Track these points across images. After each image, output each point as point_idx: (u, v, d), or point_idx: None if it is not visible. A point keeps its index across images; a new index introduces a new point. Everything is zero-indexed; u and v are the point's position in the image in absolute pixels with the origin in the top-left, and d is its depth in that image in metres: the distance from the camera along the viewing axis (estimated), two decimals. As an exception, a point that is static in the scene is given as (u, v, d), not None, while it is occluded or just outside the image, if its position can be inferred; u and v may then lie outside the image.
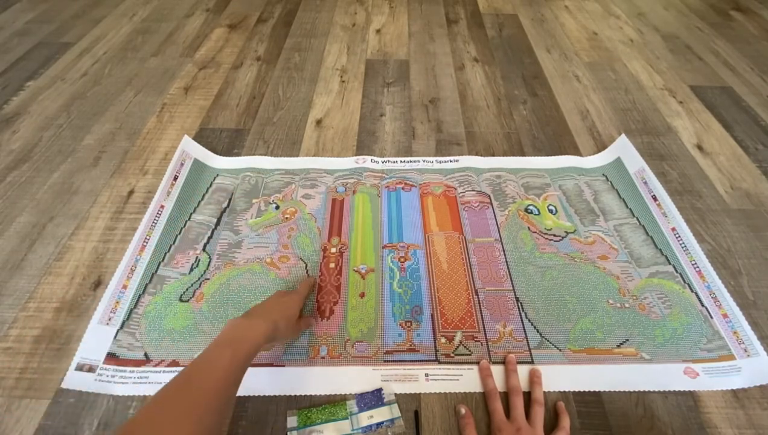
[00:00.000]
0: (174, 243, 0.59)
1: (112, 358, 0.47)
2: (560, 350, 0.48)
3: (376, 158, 0.72)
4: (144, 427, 0.27)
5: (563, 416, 0.43)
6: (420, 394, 0.45)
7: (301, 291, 0.48)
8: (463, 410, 0.43)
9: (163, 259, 0.57)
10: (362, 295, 0.54)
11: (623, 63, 0.97)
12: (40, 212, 0.63)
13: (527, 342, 0.49)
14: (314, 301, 0.53)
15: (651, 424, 0.43)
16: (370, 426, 0.42)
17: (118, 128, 0.79)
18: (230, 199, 0.65)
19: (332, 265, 0.57)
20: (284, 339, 0.44)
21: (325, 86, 0.90)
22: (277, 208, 0.64)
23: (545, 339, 0.49)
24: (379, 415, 0.43)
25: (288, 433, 0.42)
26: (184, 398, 0.29)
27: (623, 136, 0.72)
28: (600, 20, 1.15)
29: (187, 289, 0.54)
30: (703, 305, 0.52)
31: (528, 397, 0.45)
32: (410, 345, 0.49)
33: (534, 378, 0.45)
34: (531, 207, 0.64)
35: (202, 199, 0.65)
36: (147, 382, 0.45)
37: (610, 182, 0.68)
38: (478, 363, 0.47)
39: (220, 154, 0.73)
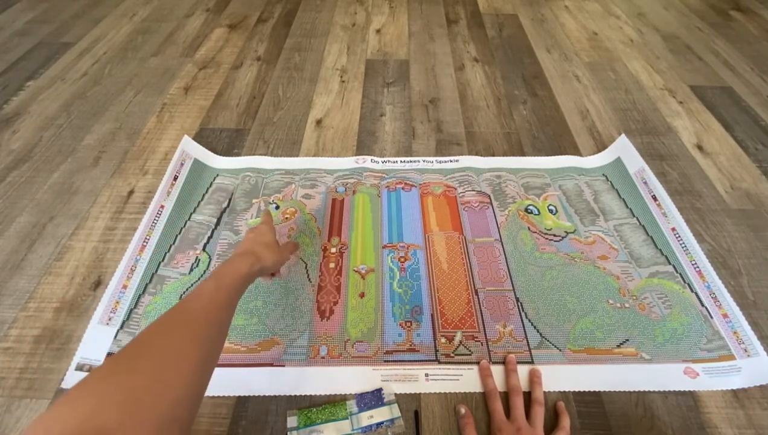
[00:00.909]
0: (174, 243, 0.59)
1: (112, 358, 0.47)
2: (560, 350, 0.48)
3: (376, 158, 0.72)
4: (147, 340, 0.31)
5: (563, 416, 0.43)
6: (420, 394, 0.45)
7: (266, 220, 0.50)
8: (463, 410, 0.43)
9: (163, 259, 0.57)
10: (362, 295, 0.54)
11: (623, 63, 0.97)
12: (40, 212, 0.63)
13: (527, 342, 0.49)
14: (314, 301, 0.53)
15: (651, 424, 0.43)
16: (370, 426, 0.42)
17: (118, 128, 0.79)
18: (230, 199, 0.65)
19: (332, 265, 0.57)
20: (274, 265, 0.45)
21: (325, 86, 0.90)
22: (277, 208, 0.64)
23: (545, 339, 0.49)
24: (379, 415, 0.43)
25: (288, 433, 0.42)
26: (178, 318, 0.33)
27: (623, 136, 0.72)
28: (600, 20, 1.15)
29: (187, 289, 0.54)
30: (703, 305, 0.52)
31: (528, 397, 0.45)
32: (410, 345, 0.49)
33: (534, 378, 0.45)
34: (531, 207, 0.64)
35: (202, 199, 0.65)
36: (147, 382, 0.45)
37: (610, 182, 0.68)
38: (478, 363, 0.47)
39: (220, 154, 0.73)
